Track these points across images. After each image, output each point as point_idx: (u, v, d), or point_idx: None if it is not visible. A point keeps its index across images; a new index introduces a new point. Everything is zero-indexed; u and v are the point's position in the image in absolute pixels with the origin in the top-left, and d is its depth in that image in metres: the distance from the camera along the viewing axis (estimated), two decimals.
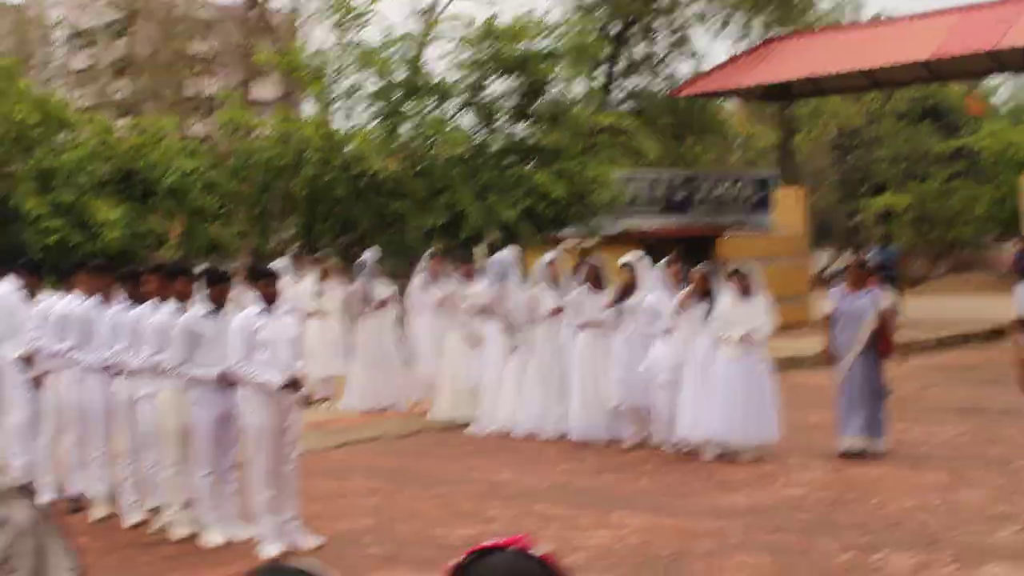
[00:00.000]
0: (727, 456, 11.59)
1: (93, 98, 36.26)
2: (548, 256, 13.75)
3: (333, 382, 16.17)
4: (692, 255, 26.07)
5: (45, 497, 10.14)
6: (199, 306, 8.83)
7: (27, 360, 10.29)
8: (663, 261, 12.50)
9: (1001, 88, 52.20)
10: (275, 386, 8.30)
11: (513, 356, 13.59)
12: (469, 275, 14.71)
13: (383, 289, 15.65)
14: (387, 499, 10.13)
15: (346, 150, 21.83)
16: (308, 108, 28.22)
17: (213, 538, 8.61)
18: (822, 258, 44.90)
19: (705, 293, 11.78)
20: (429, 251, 16.03)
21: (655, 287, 12.27)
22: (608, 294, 12.83)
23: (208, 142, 26.01)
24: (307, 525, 8.88)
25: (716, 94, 31.15)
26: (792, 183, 29.18)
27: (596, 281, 12.94)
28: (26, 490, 2.90)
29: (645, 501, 9.80)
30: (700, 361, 11.67)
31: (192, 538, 8.77)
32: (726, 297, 11.60)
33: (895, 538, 8.33)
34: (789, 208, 28.05)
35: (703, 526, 8.80)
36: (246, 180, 22.49)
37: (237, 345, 8.37)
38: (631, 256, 13.05)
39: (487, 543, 2.23)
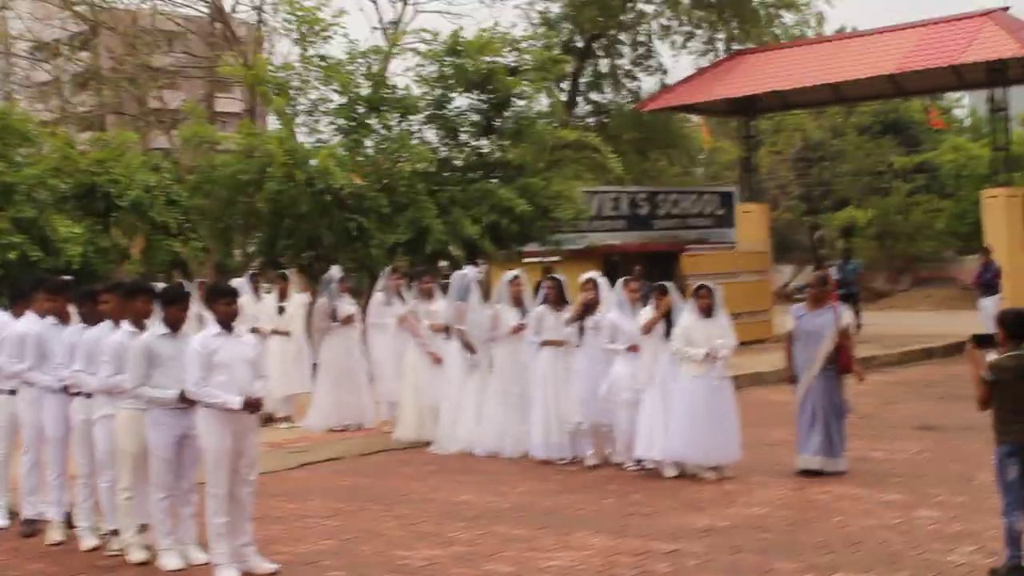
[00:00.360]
0: (689, 475, 11.58)
1: (56, 112, 35.92)
2: (510, 274, 13.70)
3: (294, 401, 16.07)
4: (655, 270, 26.16)
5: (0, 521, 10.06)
6: (157, 326, 8.73)
7: None
8: (621, 280, 12.45)
9: (962, 102, 52.64)
10: (233, 408, 8.21)
11: (473, 375, 13.55)
12: (429, 293, 14.63)
13: (348, 306, 15.55)
14: (348, 520, 10.05)
15: (310, 165, 21.71)
16: (274, 122, 28.10)
17: (170, 562, 8.50)
18: (785, 273, 45.11)
19: (665, 311, 11.77)
20: (387, 268, 15.96)
21: (616, 305, 12.23)
22: (569, 311, 12.79)
23: (172, 156, 25.84)
24: (266, 548, 8.81)
25: (680, 108, 31.25)
26: (755, 198, 29.28)
27: (557, 298, 12.90)
28: None
29: (607, 521, 9.76)
30: (661, 379, 11.66)
31: (149, 562, 8.65)
32: (688, 315, 11.59)
33: (855, 558, 8.33)
34: (752, 223, 28.17)
35: (664, 547, 8.78)
36: (209, 195, 22.34)
37: (194, 367, 8.28)
38: (593, 273, 13.00)
39: None
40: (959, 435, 13.66)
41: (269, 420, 15.82)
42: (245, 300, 15.99)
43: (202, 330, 8.70)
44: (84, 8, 34.05)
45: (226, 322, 8.50)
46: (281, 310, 16.07)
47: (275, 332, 15.93)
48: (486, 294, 14.57)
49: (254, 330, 15.59)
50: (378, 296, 15.33)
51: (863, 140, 46.04)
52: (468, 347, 13.62)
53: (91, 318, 9.38)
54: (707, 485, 11.23)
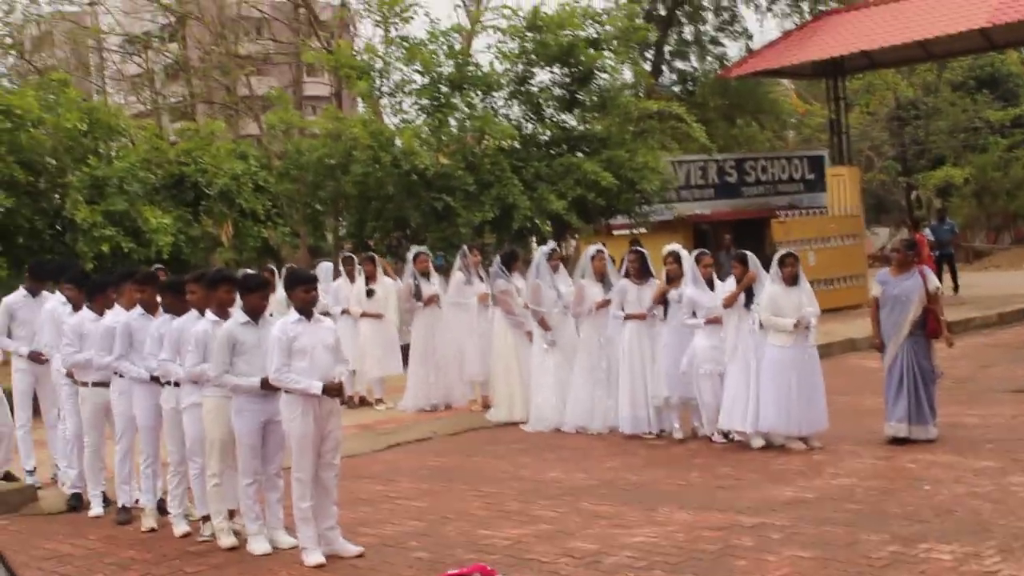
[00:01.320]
0: (777, 446, 11.50)
1: (148, 103, 36.56)
2: (592, 248, 13.67)
3: (384, 383, 16.19)
4: (746, 238, 25.92)
5: (95, 509, 10.30)
6: (238, 314, 8.84)
7: (71, 374, 10.42)
8: (695, 253, 12.33)
9: None
10: (314, 393, 8.29)
11: (552, 352, 13.57)
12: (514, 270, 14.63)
13: (431, 286, 15.59)
14: (434, 500, 10.13)
15: (395, 146, 21.83)
16: (361, 105, 28.33)
17: (259, 547, 8.64)
18: (881, 236, 44.45)
19: (749, 284, 11.66)
20: (464, 246, 15.94)
21: (691, 279, 12.13)
22: (653, 285, 12.72)
23: (260, 144, 26.14)
24: (353, 530, 8.92)
25: (767, 73, 30.86)
26: (846, 161, 28.82)
27: (640, 271, 12.83)
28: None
29: (693, 496, 9.72)
30: (744, 350, 11.55)
31: (238, 547, 8.80)
32: (772, 284, 11.44)
33: (944, 528, 8.20)
34: (843, 186, 27.75)
35: (749, 520, 8.72)
36: (297, 180, 22.58)
37: (276, 353, 8.37)
38: (674, 245, 12.90)
39: (450, 572, 2.20)
40: None
41: (364, 403, 16.02)
42: (340, 283, 16.22)
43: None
44: (171, 0, 34.54)
45: (305, 308, 8.56)
46: (371, 293, 16.14)
47: (365, 315, 16.05)
48: (571, 270, 14.53)
49: (344, 312, 15.84)
50: (458, 275, 15.32)
51: (957, 96, 45.08)
52: (543, 325, 13.64)
53: (177, 308, 9.51)
54: (795, 456, 11.13)
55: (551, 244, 13.88)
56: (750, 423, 11.51)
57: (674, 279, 12.46)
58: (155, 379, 9.57)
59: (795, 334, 11.31)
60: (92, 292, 10.46)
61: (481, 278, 15.32)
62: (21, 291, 11.74)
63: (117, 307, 10.17)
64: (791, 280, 11.42)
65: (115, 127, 19.61)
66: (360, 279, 16.30)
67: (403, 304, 15.79)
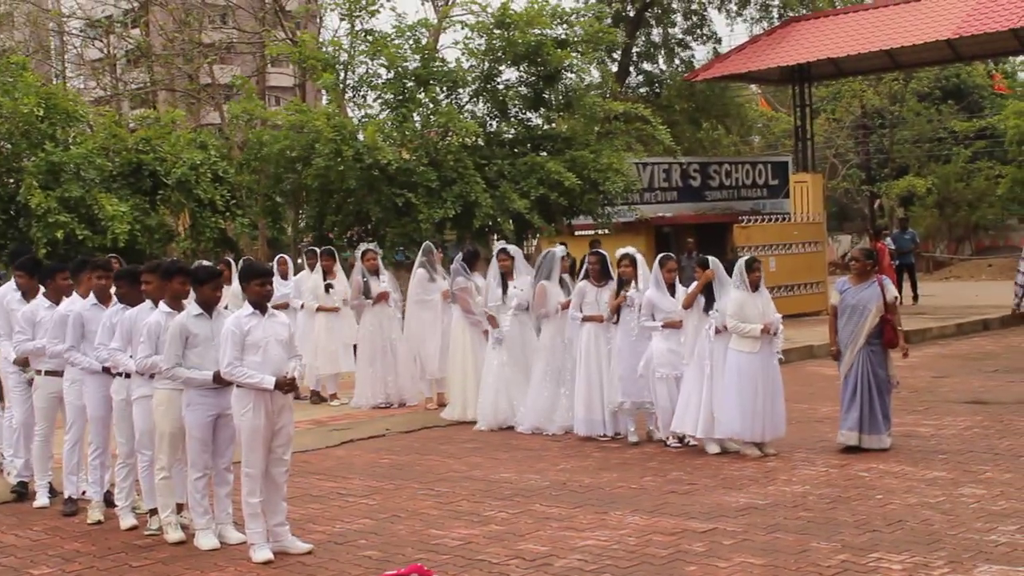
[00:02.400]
0: (732, 452, 11.55)
1: (108, 89, 36.27)
2: (556, 250, 13.69)
3: (339, 379, 16.16)
4: (708, 242, 26.04)
5: (41, 499, 10.22)
6: (192, 306, 8.79)
7: (21, 362, 10.34)
8: (659, 258, 12.35)
9: None
10: (267, 388, 8.26)
11: (499, 351, 13.60)
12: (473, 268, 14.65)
13: (381, 283, 15.51)
14: (385, 499, 10.11)
15: (357, 140, 21.80)
16: (325, 97, 28.23)
17: (206, 542, 8.59)
18: (843, 243, 44.74)
19: (705, 284, 11.71)
20: (425, 243, 15.90)
21: (653, 283, 12.16)
22: (613, 287, 12.75)
23: (222, 133, 26.02)
24: (302, 527, 8.91)
25: (734, 78, 30.97)
26: (810, 168, 29.01)
27: (600, 274, 12.86)
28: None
29: (645, 500, 9.75)
30: (701, 354, 11.60)
31: (186, 542, 8.75)
32: (738, 290, 11.45)
33: (894, 537, 8.26)
34: (806, 193, 27.90)
35: (701, 526, 8.75)
36: (258, 172, 22.51)
37: (228, 347, 8.33)
38: (629, 248, 12.91)
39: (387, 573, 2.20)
40: (1013, 410, 13.51)
41: (319, 399, 15.97)
42: (302, 276, 16.16)
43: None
44: None
45: (260, 302, 8.52)
46: (328, 287, 16.10)
47: (321, 309, 16.01)
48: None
49: (300, 306, 15.80)
50: (420, 272, 15.27)
51: (923, 106, 45.46)
52: (491, 321, 13.73)
53: (131, 298, 9.45)
54: (749, 462, 11.18)
55: (558, 249, 13.85)
56: (703, 428, 11.56)
57: (626, 282, 12.49)
58: (107, 369, 9.50)
59: (762, 340, 11.37)
60: (44, 278, 10.38)
61: (444, 276, 15.27)
62: None
63: (75, 295, 10.08)
64: (756, 286, 11.48)
65: (73, 112, 19.50)
66: (317, 273, 16.24)
67: (351, 301, 15.74)
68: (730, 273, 11.68)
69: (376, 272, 15.53)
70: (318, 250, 16.64)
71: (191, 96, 34.01)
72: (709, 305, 11.65)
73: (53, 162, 17.97)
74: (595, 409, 12.66)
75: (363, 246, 15.84)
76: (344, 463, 11.89)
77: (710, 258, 11.96)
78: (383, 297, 15.40)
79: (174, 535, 8.82)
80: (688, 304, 11.74)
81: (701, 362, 11.60)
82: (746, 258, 11.72)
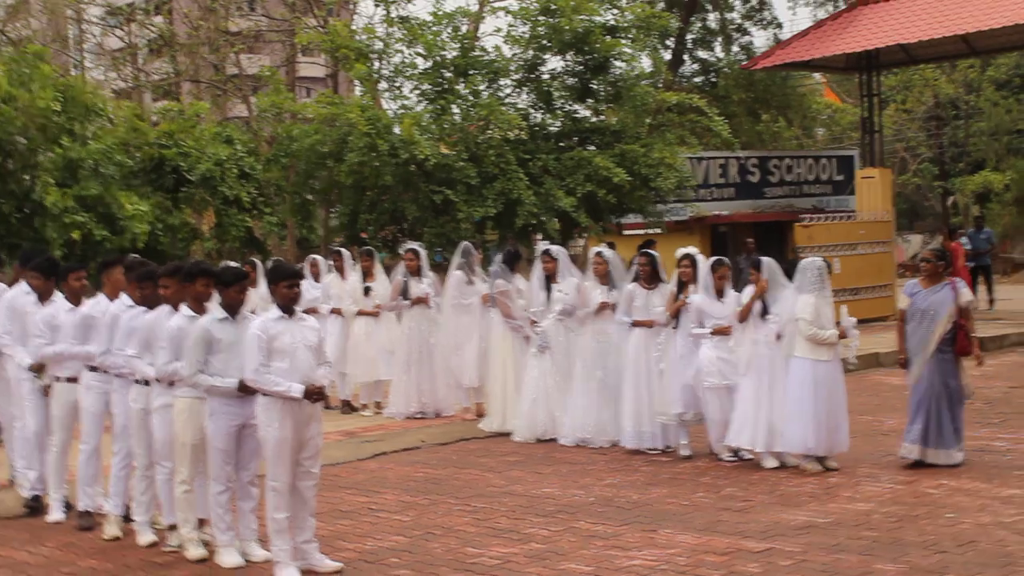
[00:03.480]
0: (790, 467, 11.52)
1: (129, 80, 36.61)
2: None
3: (381, 387, 16.21)
4: (767, 242, 25.97)
5: (55, 514, 10.32)
6: (215, 310, 8.86)
7: (37, 369, 10.44)
8: (710, 261, 12.33)
9: None
10: (294, 396, 8.30)
11: (541, 358, 13.62)
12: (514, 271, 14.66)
13: (421, 285, 15.56)
14: (419, 515, 10.15)
15: (393, 134, 21.88)
16: (358, 88, 28.37)
17: (229, 559, 8.66)
18: (913, 243, 44.43)
19: (761, 292, 11.68)
20: (464, 243, 15.90)
21: (702, 287, 12.14)
22: (664, 290, 12.75)
23: (249, 126, 26.20)
24: (330, 545, 8.96)
25: (796, 66, 30.82)
26: (877, 162, 28.84)
27: (651, 276, 12.85)
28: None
29: (698, 517, 9.74)
30: (762, 363, 11.56)
31: (207, 559, 8.83)
32: (810, 294, 11.37)
33: (965, 559, 8.21)
34: (873, 189, 27.74)
35: (756, 546, 8.73)
36: (286, 168, 22.64)
37: (254, 353, 8.37)
38: (690, 248, 12.90)
39: None
40: None
41: (351, 409, 16.03)
42: (331, 279, 16.21)
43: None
44: None
45: (287, 306, 8.57)
46: (367, 291, 16.14)
47: (361, 314, 16.05)
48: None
49: (335, 311, 15.88)
50: (457, 275, 15.30)
51: (1001, 96, 45.04)
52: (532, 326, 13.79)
53: (151, 301, 9.53)
54: (809, 478, 11.14)
55: (601, 247, 13.88)
56: (762, 442, 11.52)
57: (687, 284, 12.47)
58: (125, 376, 9.58)
59: (834, 347, 11.35)
60: (60, 279, 10.50)
61: (483, 279, 15.28)
62: None
63: (101, 296, 10.18)
64: (822, 286, 11.43)
65: (92, 106, 19.69)
66: (355, 275, 16.27)
67: (389, 302, 15.79)
68: (789, 275, 11.64)
69: (417, 273, 15.58)
70: (344, 251, 16.68)
71: (217, 87, 34.28)
72: (766, 311, 11.62)
73: (70, 158, 18.16)
74: (644, 420, 12.66)
75: (408, 244, 15.89)
76: (376, 477, 11.94)
77: (764, 259, 11.91)
78: (422, 300, 15.43)
79: (195, 552, 8.89)
80: (743, 317, 11.70)
81: (759, 371, 11.55)
82: (819, 260, 11.61)
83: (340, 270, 16.42)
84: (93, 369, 10.00)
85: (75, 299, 10.36)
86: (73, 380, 10.23)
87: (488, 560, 8.62)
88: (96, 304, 10.10)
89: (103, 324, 9.80)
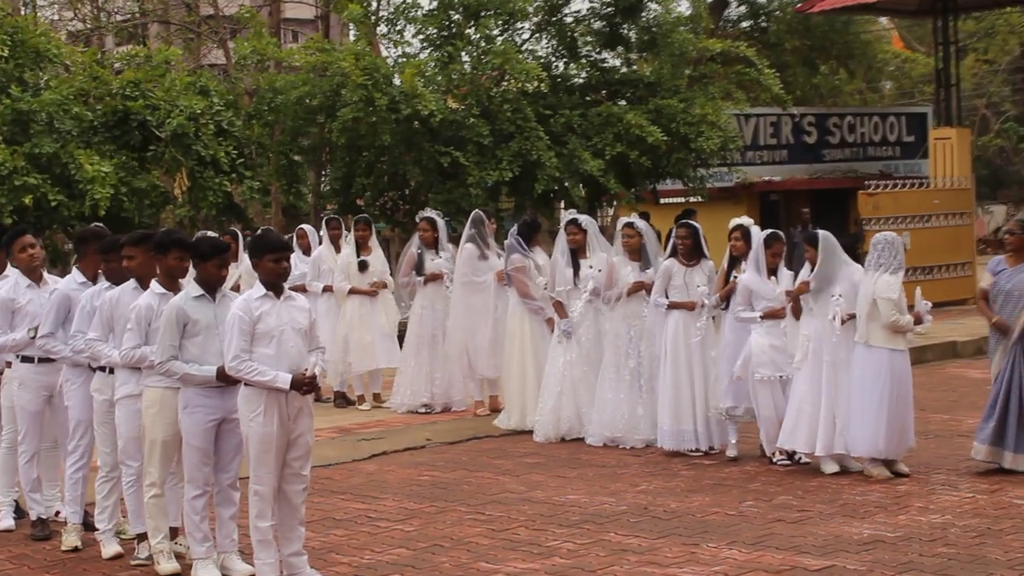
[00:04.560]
0: (853, 472, 11.52)
1: (88, 21, 36.62)
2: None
3: (379, 377, 16.23)
4: (826, 213, 25.96)
5: (4, 521, 10.34)
6: (191, 287, 8.86)
7: None
8: (763, 235, 12.29)
9: None
10: (281, 387, 8.30)
11: (567, 346, 13.65)
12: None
13: (437, 260, 15.55)
14: (425, 524, 10.18)
15: (393, 86, 21.86)
16: (353, 32, 28.35)
17: (206, 574, 8.67)
18: (996, 215, 44.34)
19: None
20: (476, 211, 15.83)
21: (753, 264, 12.11)
22: (706, 267, 12.74)
23: (226, 76, 26.19)
24: (322, 558, 8.99)
25: (859, 8, 30.75)
26: (955, 121, 28.76)
27: (691, 251, 12.84)
28: None
29: (746, 529, 9.75)
30: (818, 353, 11.53)
31: (181, 574, 8.85)
32: (894, 274, 11.33)
33: None
34: (949, 152, 27.69)
35: (816, 563, 8.74)
36: (271, 124, 22.64)
37: (235, 337, 8.37)
38: (743, 219, 12.87)
39: None
40: None
41: (345, 402, 16.06)
42: (321, 251, 16.20)
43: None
44: None
45: (274, 282, 8.57)
46: (363, 265, 16.07)
47: (354, 292, 16.02)
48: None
49: (327, 289, 15.89)
50: (468, 248, 15.25)
51: None
52: (558, 310, 13.79)
53: (116, 276, 9.54)
54: (875, 485, 11.14)
55: (631, 217, 13.85)
56: (821, 444, 11.51)
57: (738, 260, 12.48)
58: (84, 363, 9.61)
59: (908, 335, 11.35)
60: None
61: (498, 253, 15.25)
62: None
63: (75, 273, 10.17)
64: (893, 266, 11.40)
65: (45, 51, 19.67)
66: (348, 248, 16.20)
67: (400, 279, 15.79)
68: (850, 251, 11.62)
69: (434, 245, 15.57)
70: (340, 219, 16.64)
71: (189, 30, 34.27)
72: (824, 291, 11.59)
73: (20, 110, 18.14)
74: (684, 418, 12.66)
75: (424, 212, 15.89)
76: (375, 480, 11.97)
77: (820, 233, 11.86)
78: (436, 277, 15.43)
79: (167, 566, 8.90)
80: (796, 297, 11.61)
81: (818, 361, 11.53)
82: (894, 235, 11.55)
83: (335, 241, 16.38)
84: (27, 360, 10.01)
85: (33, 275, 10.31)
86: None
87: None
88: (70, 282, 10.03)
89: (52, 305, 9.81)
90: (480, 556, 9.20)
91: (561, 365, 13.74)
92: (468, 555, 9.24)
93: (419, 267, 15.51)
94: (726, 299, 12.53)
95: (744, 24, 36.97)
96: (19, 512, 10.45)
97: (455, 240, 16.57)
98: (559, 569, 8.80)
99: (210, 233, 13.42)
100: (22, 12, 30.36)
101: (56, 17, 36.28)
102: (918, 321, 11.42)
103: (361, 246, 16.14)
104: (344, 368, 16.03)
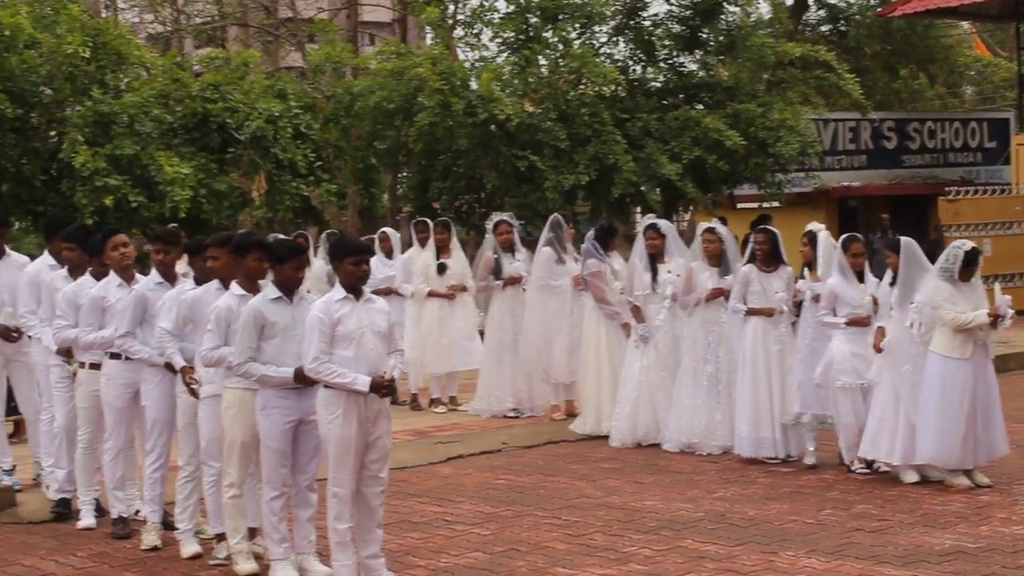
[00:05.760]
0: (934, 482, 11.42)
1: (168, 25, 36.94)
2: (711, 224, 13.65)
3: (456, 380, 16.27)
4: (904, 218, 25.75)
5: (86, 519, 10.44)
6: (269, 289, 8.90)
7: (66, 353, 10.58)
8: (843, 238, 12.22)
9: None
10: (360, 389, 8.32)
11: (645, 351, 13.62)
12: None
13: (515, 262, 15.58)
14: (501, 528, 10.19)
15: (470, 90, 21.91)
16: (430, 36, 28.45)
17: (284, 575, 8.71)
18: None
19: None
20: (554, 215, 15.82)
21: (837, 269, 12.03)
22: (785, 273, 12.68)
23: (304, 79, 26.34)
24: (399, 561, 9.01)
25: (940, 13, 30.47)
26: None
27: (769, 256, 12.78)
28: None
29: (825, 538, 9.68)
30: (900, 360, 11.44)
31: (259, 574, 8.90)
32: (939, 279, 11.26)
33: None
34: None
35: (897, 572, 8.68)
36: (347, 128, 22.75)
37: (314, 339, 8.39)
38: (815, 225, 12.82)
39: None
40: None
41: (420, 405, 16.12)
42: (411, 254, 16.25)
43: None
44: None
45: (354, 285, 8.58)
46: (441, 268, 16.14)
47: (433, 295, 16.08)
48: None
49: (411, 293, 15.94)
50: (546, 251, 15.26)
51: None
52: (635, 315, 13.76)
53: (200, 277, 9.64)
54: (956, 496, 11.03)
55: (711, 223, 13.85)
56: (900, 453, 11.42)
57: (808, 266, 12.45)
58: (168, 366, 9.66)
59: (975, 342, 11.21)
60: (94, 252, 10.57)
61: (575, 257, 15.23)
62: None
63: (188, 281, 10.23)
64: (966, 275, 11.28)
65: (126, 53, 19.85)
66: (428, 250, 16.28)
67: (478, 283, 15.83)
68: (930, 258, 11.52)
69: (510, 248, 15.61)
70: (430, 222, 16.70)
71: (267, 33, 34.49)
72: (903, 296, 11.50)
73: (102, 112, 18.32)
74: (763, 424, 12.60)
75: (496, 216, 15.91)
76: (451, 483, 11.99)
77: (903, 239, 11.78)
78: (515, 280, 15.46)
79: (245, 566, 8.96)
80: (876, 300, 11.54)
81: (899, 368, 11.43)
82: (967, 246, 11.44)
83: (423, 244, 16.44)
84: (115, 357, 10.11)
85: (124, 273, 10.38)
86: (96, 367, 10.33)
87: None
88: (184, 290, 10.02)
89: (128, 305, 9.88)
90: (556, 561, 9.19)
91: (637, 370, 13.73)
92: (544, 560, 9.23)
93: (496, 271, 15.54)
94: (797, 306, 12.48)
95: (823, 28, 36.70)
96: (99, 510, 10.55)
97: (528, 244, 16.57)
98: (637, 575, 8.78)
99: (283, 236, 13.49)
100: (103, 15, 30.70)
101: (137, 20, 36.65)
102: (998, 317, 11.23)
103: (441, 249, 16.20)
104: (419, 370, 16.11)
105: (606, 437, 13.90)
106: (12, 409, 12.24)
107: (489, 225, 15.92)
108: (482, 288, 15.90)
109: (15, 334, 11.39)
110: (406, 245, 17.37)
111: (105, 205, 17.38)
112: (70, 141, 17.75)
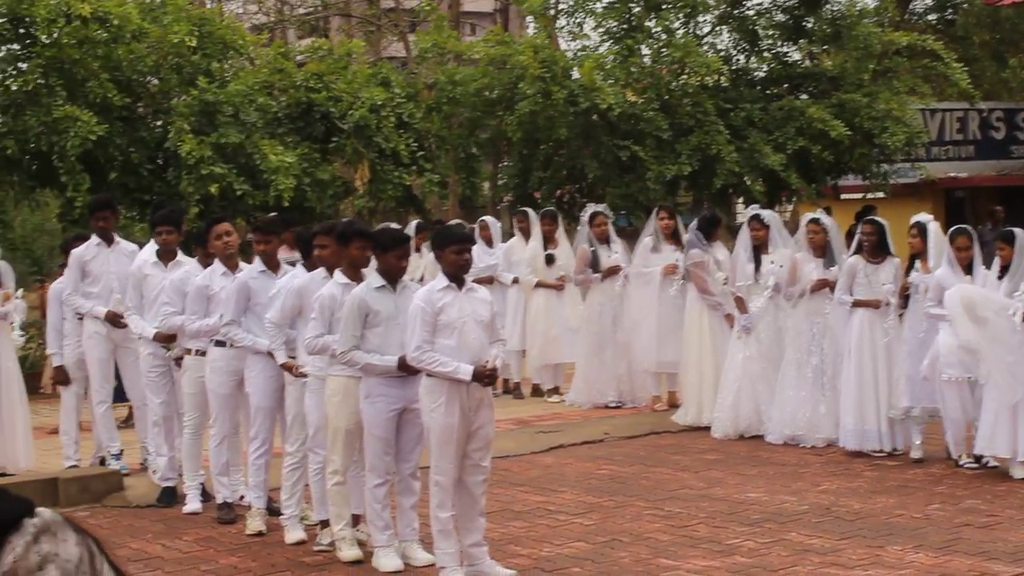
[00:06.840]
0: None
1: (272, 14, 37.21)
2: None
3: (561, 371, 16.30)
4: (1015, 210, 25.36)
5: (192, 504, 10.57)
6: (373, 277, 8.93)
7: (166, 339, 10.72)
8: (952, 230, 12.07)
9: None
10: (462, 378, 8.33)
11: (747, 342, 13.55)
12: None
13: (613, 253, 15.57)
14: (603, 518, 10.18)
15: (571, 79, 21.87)
16: (532, 25, 28.45)
17: (387, 562, 8.75)
18: None
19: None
20: (658, 205, 15.83)
21: (945, 261, 11.88)
22: (892, 265, 12.55)
23: (406, 68, 26.42)
24: (501, 549, 9.03)
25: None
26: None
27: (876, 248, 12.65)
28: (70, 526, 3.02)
29: (932, 533, 9.58)
30: (1011, 351, 11.27)
31: (363, 561, 8.95)
32: None
33: None
34: None
35: (1007, 569, 8.56)
36: (449, 117, 22.79)
37: (417, 328, 8.41)
38: (923, 216, 12.69)
39: None
40: None
41: (521, 394, 16.16)
42: (513, 243, 16.31)
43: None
44: None
45: (456, 274, 8.60)
46: (550, 259, 16.18)
47: (541, 285, 16.13)
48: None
49: (516, 281, 16.02)
50: (645, 241, 15.29)
51: None
52: (739, 306, 13.73)
53: (309, 265, 9.73)
54: None
55: (816, 213, 13.79)
56: (1010, 446, 11.26)
57: (915, 258, 12.33)
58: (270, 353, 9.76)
59: None
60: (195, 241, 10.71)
61: (673, 245, 15.17)
62: (93, 239, 11.94)
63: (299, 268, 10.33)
64: None
65: (231, 42, 20.01)
66: (535, 241, 16.32)
67: (576, 275, 15.84)
68: None
69: (606, 240, 15.61)
70: (531, 212, 16.71)
71: (370, 23, 34.64)
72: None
73: (207, 101, 18.48)
74: (868, 417, 12.49)
75: (591, 208, 15.92)
76: (553, 473, 12.01)
77: (1017, 231, 11.62)
78: (614, 271, 15.44)
79: (349, 552, 9.02)
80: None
81: (1012, 359, 11.26)
82: None
83: (525, 233, 16.48)
84: (220, 344, 10.22)
85: (228, 262, 10.49)
86: (202, 354, 10.46)
87: (684, 574, 8.60)
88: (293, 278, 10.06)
89: (232, 292, 9.99)
90: (660, 552, 9.16)
91: (740, 361, 13.66)
92: (648, 551, 9.21)
93: (594, 263, 15.52)
94: (904, 298, 12.36)
95: (930, 16, 36.28)
96: (205, 495, 10.67)
97: (627, 236, 16.58)
98: (740, 567, 8.73)
99: (391, 225, 13.57)
100: (207, 5, 30.98)
101: (241, 10, 36.97)
102: None
103: (548, 239, 16.25)
104: (521, 361, 16.16)
105: (708, 428, 13.88)
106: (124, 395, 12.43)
107: (584, 217, 15.90)
108: (580, 281, 15.92)
109: (123, 320, 11.56)
110: (506, 235, 17.42)
111: (210, 193, 17.55)
112: (176, 130, 17.94)
